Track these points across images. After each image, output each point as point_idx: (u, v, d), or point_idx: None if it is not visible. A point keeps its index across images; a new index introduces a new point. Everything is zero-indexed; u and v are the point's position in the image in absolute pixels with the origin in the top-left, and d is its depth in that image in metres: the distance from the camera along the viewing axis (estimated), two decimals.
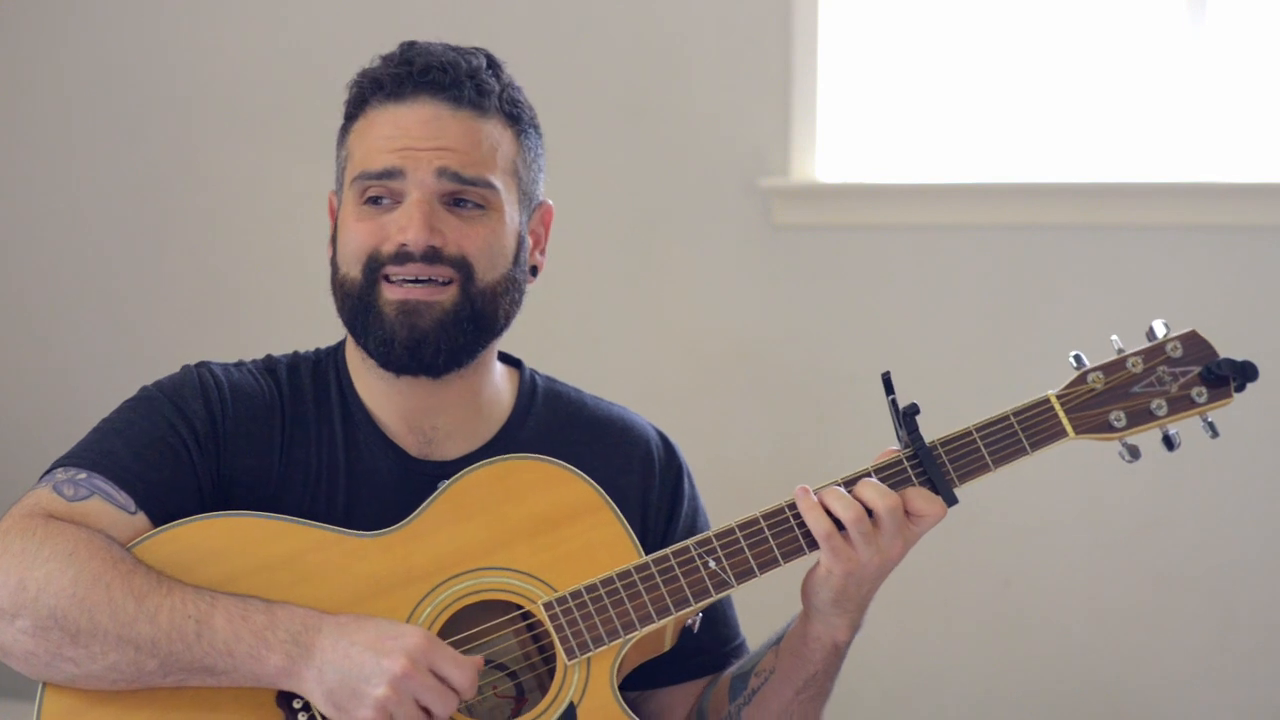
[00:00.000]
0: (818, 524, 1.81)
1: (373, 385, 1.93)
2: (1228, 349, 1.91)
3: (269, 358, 1.98)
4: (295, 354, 1.99)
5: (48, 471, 1.84)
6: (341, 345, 1.99)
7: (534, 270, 1.98)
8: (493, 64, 1.93)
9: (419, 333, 1.86)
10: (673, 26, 3.68)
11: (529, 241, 1.96)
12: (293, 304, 3.80)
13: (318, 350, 2.00)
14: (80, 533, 1.76)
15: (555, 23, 3.72)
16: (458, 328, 1.87)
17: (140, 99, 3.87)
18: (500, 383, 1.99)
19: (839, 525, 1.81)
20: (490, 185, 1.88)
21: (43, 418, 3.89)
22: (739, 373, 3.68)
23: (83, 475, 1.82)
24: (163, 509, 1.83)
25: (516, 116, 1.93)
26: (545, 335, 3.72)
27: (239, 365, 1.96)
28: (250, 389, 1.92)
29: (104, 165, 3.89)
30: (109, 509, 1.81)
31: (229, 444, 1.88)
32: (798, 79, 3.62)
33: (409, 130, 1.87)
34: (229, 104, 3.85)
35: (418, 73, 1.88)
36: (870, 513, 1.81)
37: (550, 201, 2.00)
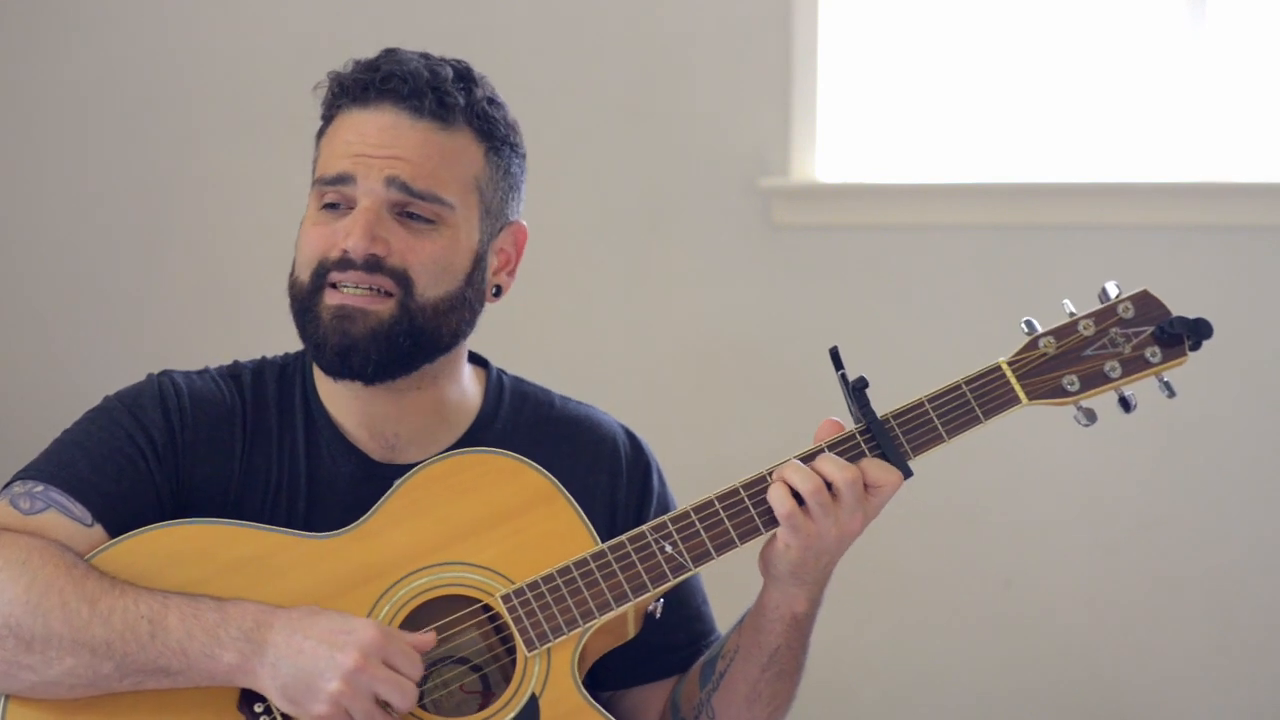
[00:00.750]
0: (781, 503, 1.80)
1: (335, 391, 1.93)
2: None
3: (235, 364, 1.98)
4: (262, 359, 1.99)
5: (7, 485, 1.85)
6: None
7: (498, 291, 1.96)
8: (465, 77, 1.91)
9: (349, 339, 1.85)
10: (673, 26, 3.68)
11: (492, 261, 1.94)
12: None
13: (285, 355, 1.99)
14: (34, 542, 1.77)
15: (555, 23, 3.72)
16: (391, 341, 1.86)
17: (140, 98, 3.87)
18: (467, 385, 1.98)
19: (798, 500, 1.80)
20: (441, 201, 1.87)
21: (43, 417, 3.88)
22: (739, 372, 3.68)
23: (39, 488, 1.83)
24: (120, 520, 1.83)
25: (488, 133, 1.91)
26: (545, 335, 3.73)
27: (202, 372, 1.95)
28: (211, 396, 1.92)
29: (104, 165, 3.89)
30: (65, 521, 1.81)
31: (187, 453, 1.89)
32: (798, 79, 3.62)
33: (366, 136, 1.87)
34: (230, 103, 3.85)
35: (380, 80, 1.87)
36: (830, 486, 1.80)
37: (524, 222, 1.97)
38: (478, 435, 1.96)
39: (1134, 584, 3.54)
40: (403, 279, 1.86)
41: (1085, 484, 3.52)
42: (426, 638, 1.78)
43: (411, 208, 1.86)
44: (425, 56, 1.91)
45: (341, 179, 1.87)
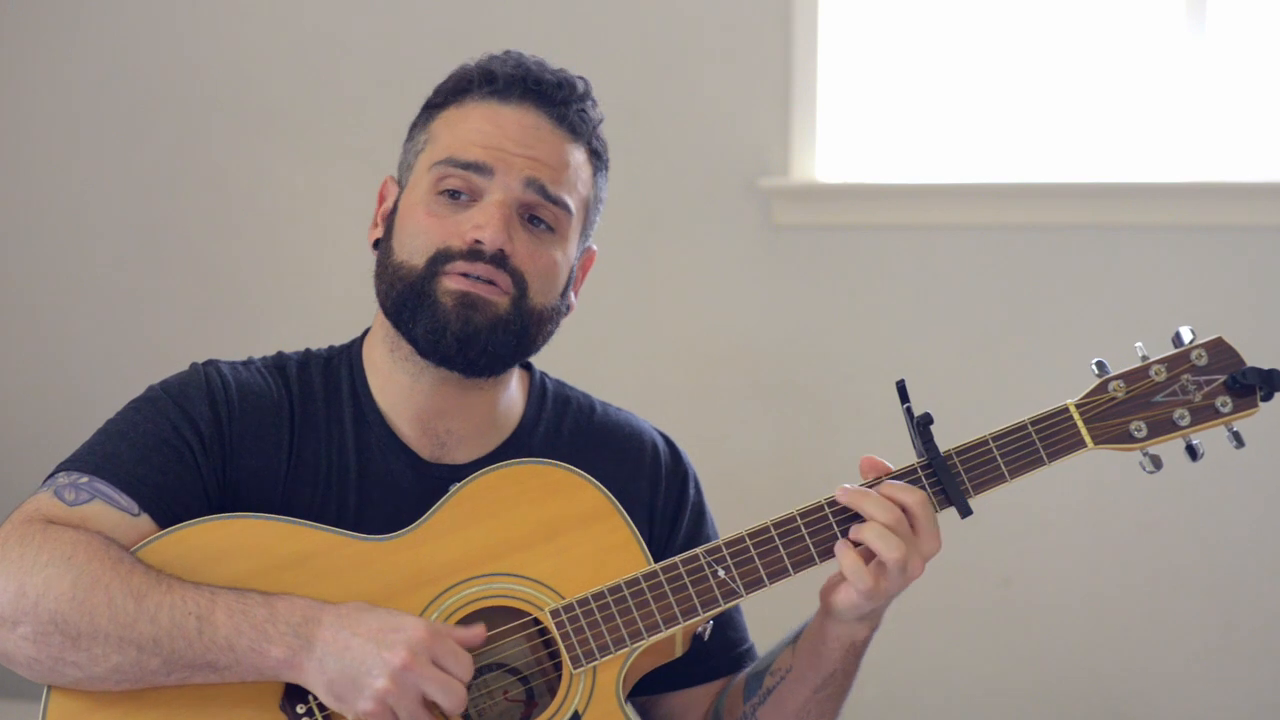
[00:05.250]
0: (855, 569, 1.78)
1: (390, 384, 1.92)
2: None
3: (279, 355, 1.96)
4: (307, 351, 1.97)
5: (50, 475, 1.83)
6: (356, 343, 1.97)
7: (567, 309, 1.96)
8: (590, 95, 1.93)
9: (472, 327, 1.84)
10: (673, 26, 3.68)
11: (574, 276, 1.95)
12: (296, 304, 3.79)
13: (330, 348, 1.98)
14: (79, 536, 1.75)
15: (555, 23, 3.72)
16: (506, 335, 1.85)
17: (144, 99, 3.87)
18: (513, 389, 1.98)
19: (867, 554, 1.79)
20: (567, 208, 1.88)
21: (46, 418, 3.88)
22: (739, 373, 3.68)
23: (84, 479, 1.80)
24: (167, 511, 1.81)
25: (599, 154, 1.94)
26: None
27: (248, 363, 1.94)
28: (258, 388, 1.90)
29: (108, 165, 3.89)
30: (111, 512, 1.79)
31: (235, 446, 1.87)
32: (798, 79, 3.62)
33: (506, 131, 1.86)
34: (234, 104, 3.84)
35: (532, 80, 1.88)
36: (905, 511, 1.79)
37: (595, 247, 1.99)
38: (521, 439, 1.96)
39: (1134, 584, 3.54)
40: (520, 281, 1.85)
41: (1085, 484, 3.52)
42: (476, 631, 1.76)
43: (539, 211, 1.86)
44: (540, 64, 1.91)
45: (477, 167, 1.86)
